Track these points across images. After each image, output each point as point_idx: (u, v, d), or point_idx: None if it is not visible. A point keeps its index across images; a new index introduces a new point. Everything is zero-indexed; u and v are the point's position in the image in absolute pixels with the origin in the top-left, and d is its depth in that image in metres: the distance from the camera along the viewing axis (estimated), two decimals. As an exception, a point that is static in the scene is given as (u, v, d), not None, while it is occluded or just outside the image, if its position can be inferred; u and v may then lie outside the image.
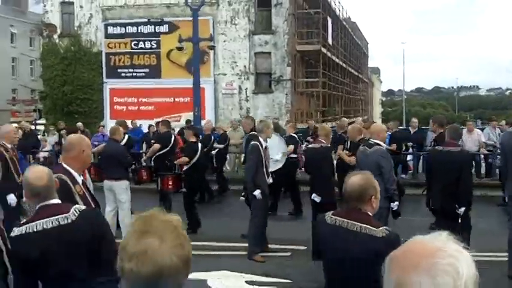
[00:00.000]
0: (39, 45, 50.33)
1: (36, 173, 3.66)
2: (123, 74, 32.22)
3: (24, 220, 3.65)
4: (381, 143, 7.97)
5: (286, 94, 30.63)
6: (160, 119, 26.59)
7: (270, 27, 30.69)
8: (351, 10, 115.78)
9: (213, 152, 15.43)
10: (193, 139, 11.78)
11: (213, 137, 15.61)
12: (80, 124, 21.25)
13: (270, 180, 9.21)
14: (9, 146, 9.20)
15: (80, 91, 32.54)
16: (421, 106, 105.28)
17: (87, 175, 10.27)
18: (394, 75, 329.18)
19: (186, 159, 11.57)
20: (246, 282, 7.93)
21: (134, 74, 32.09)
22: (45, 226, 3.51)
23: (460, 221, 7.77)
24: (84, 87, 32.60)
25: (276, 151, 11.52)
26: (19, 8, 56.12)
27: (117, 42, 32.10)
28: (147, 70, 31.90)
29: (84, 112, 32.29)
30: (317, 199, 8.95)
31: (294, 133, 14.14)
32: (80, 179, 4.61)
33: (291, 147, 12.90)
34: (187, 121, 20.50)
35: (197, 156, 11.43)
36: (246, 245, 9.29)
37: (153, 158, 13.10)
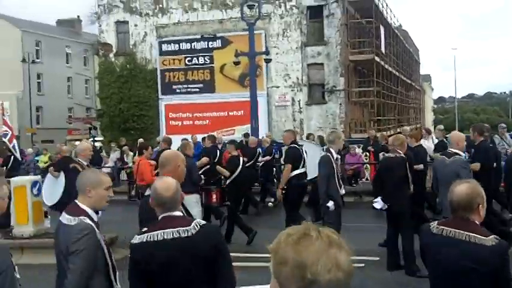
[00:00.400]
0: (93, 65, 51.69)
1: (165, 184, 3.79)
2: (177, 90, 32.79)
3: (146, 228, 3.75)
4: (460, 153, 7.86)
5: (340, 104, 30.52)
6: (214, 133, 27.21)
7: (322, 38, 30.71)
8: (401, 17, 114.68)
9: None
10: (235, 153, 11.97)
11: (259, 150, 15.76)
12: (141, 140, 21.67)
13: (343, 191, 9.16)
14: (85, 163, 9.46)
15: (136, 108, 33.22)
16: (473, 112, 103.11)
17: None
18: (444, 82, 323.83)
19: (206, 159, 12.02)
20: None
21: (189, 90, 32.60)
22: (165, 236, 3.60)
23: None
24: (140, 104, 33.27)
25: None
26: (73, 29, 57.65)
27: (172, 59, 32.69)
28: (201, 85, 32.36)
29: (140, 128, 32.92)
30: (378, 205, 8.86)
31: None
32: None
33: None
34: (246, 134, 20.63)
35: (239, 169, 11.56)
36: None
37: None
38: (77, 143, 24.51)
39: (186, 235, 3.60)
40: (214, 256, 3.60)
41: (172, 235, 3.60)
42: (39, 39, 50.70)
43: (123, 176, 21.34)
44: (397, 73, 41.30)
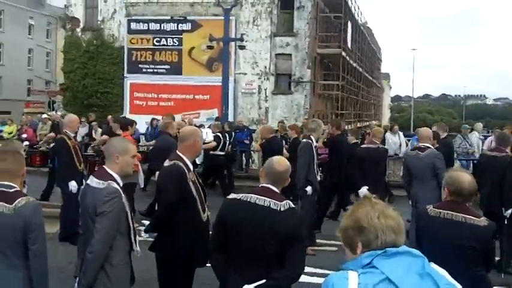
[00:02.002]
0: (55, 38, 50.88)
1: (281, 161, 4.23)
2: (144, 70, 32.66)
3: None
4: (432, 147, 8.38)
5: (305, 96, 31.00)
6: (180, 115, 27.33)
7: (292, 30, 31.06)
8: (366, 15, 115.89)
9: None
10: (119, 132, 11.83)
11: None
12: (110, 117, 21.74)
13: (319, 177, 9.59)
14: (72, 134, 9.63)
15: (100, 85, 32.98)
16: (428, 112, 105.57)
17: (140, 166, 10.72)
18: (401, 81, 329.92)
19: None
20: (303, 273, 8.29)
21: (155, 70, 32.51)
22: (257, 202, 3.93)
23: (506, 222, 8.22)
24: (104, 81, 33.04)
25: None
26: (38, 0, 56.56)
27: (140, 38, 32.54)
28: (168, 67, 32.33)
29: (103, 105, 32.68)
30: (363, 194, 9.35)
31: (219, 132, 15.39)
32: (191, 166, 5.02)
33: (212, 143, 14.82)
34: (217, 118, 20.94)
35: None
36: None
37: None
38: (44, 116, 24.31)
39: (274, 208, 3.88)
40: (290, 239, 3.81)
41: (263, 203, 3.90)
42: (2, 7, 49.62)
43: (90, 151, 21.24)
44: (360, 69, 42.07)
